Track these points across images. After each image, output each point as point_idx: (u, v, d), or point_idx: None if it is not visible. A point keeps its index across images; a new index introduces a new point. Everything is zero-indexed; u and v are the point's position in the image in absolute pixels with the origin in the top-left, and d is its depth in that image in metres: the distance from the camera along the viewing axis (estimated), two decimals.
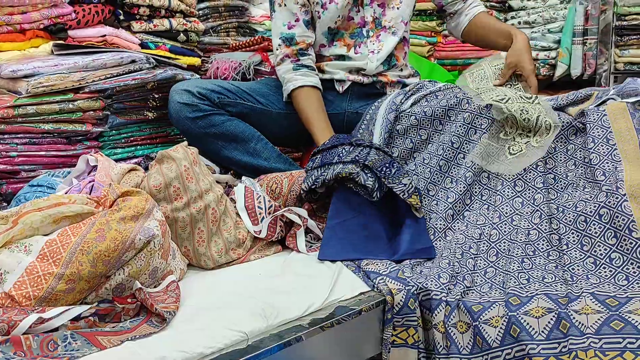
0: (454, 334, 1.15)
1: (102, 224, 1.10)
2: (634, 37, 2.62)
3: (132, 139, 1.84)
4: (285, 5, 1.81)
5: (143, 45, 2.09)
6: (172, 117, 1.76)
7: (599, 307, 1.04)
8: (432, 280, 1.24)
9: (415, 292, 1.22)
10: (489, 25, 1.95)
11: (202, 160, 1.65)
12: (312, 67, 1.84)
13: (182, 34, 2.17)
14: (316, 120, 1.77)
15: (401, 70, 1.95)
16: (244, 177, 1.65)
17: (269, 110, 1.86)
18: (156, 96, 1.84)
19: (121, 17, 2.05)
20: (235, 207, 1.50)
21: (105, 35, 1.96)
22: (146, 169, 1.52)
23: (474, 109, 1.56)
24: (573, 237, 1.25)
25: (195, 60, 2.18)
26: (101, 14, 1.97)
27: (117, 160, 1.71)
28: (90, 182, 1.37)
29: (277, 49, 1.85)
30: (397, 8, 1.88)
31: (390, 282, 1.23)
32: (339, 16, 1.83)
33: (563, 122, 1.48)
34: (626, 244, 1.16)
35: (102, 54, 1.78)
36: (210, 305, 1.14)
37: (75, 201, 1.17)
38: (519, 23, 2.97)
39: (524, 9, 2.99)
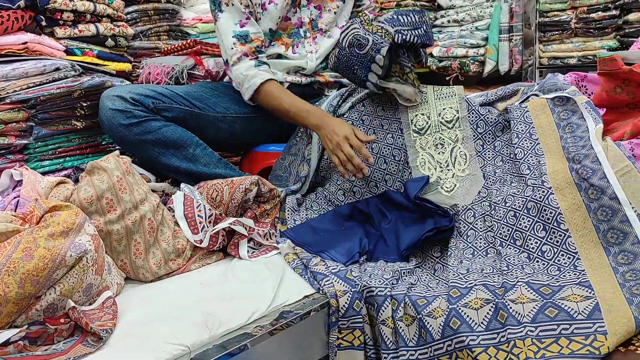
0: (401, 328, 1.16)
1: (29, 242, 1.04)
2: (556, 32, 2.74)
3: (60, 150, 1.75)
4: (232, 4, 1.77)
5: (68, 51, 2.00)
6: (104, 124, 1.70)
7: (534, 295, 1.07)
8: (376, 279, 1.26)
9: (359, 291, 1.22)
10: None
11: (136, 169, 1.60)
12: (270, 66, 1.81)
13: (110, 39, 2.09)
14: (300, 101, 1.69)
15: None
16: (182, 185, 1.61)
17: (207, 114, 1.82)
18: (84, 104, 1.77)
19: (43, 23, 1.95)
20: (173, 216, 1.46)
21: (26, 43, 1.86)
22: (76, 181, 1.46)
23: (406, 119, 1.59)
24: (505, 232, 1.29)
25: (125, 66, 2.11)
26: (21, 20, 1.87)
27: (44, 174, 1.63)
28: (15, 197, 1.30)
29: (231, 48, 1.78)
30: (334, 12, 1.89)
31: (337, 283, 1.23)
32: (279, 17, 1.82)
33: (489, 120, 1.53)
34: (555, 237, 1.21)
35: (23, 62, 1.69)
36: (150, 319, 1.11)
37: None
38: (448, 21, 3.05)
39: (453, 8, 3.07)
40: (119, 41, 2.11)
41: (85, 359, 0.98)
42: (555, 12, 2.73)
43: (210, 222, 1.46)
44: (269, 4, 1.80)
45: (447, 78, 3.06)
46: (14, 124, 1.63)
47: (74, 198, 1.29)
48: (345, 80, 1.95)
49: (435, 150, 1.51)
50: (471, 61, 2.95)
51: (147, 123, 1.68)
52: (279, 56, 1.87)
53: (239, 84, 1.79)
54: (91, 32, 2.04)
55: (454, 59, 2.99)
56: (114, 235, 1.29)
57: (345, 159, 1.50)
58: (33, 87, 1.65)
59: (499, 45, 2.88)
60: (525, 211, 1.26)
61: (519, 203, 1.28)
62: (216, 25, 1.82)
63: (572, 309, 1.03)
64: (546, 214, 1.22)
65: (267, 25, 1.82)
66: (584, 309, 1.02)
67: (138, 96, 1.68)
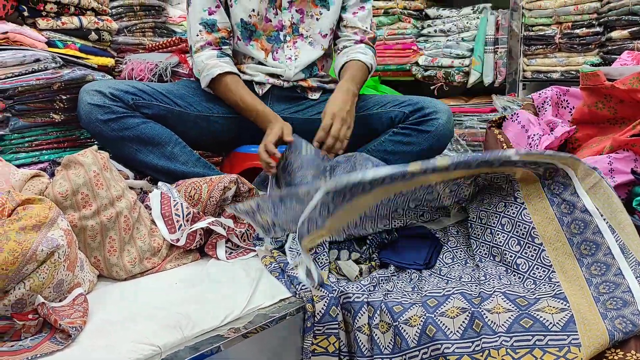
0: (377, 335, 1.15)
1: None
2: (540, 46, 2.77)
3: (36, 143, 1.72)
4: None
5: (50, 43, 1.96)
6: (82, 119, 1.67)
7: (510, 306, 1.07)
8: (353, 285, 1.25)
9: (336, 297, 1.21)
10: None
11: (115, 165, 1.58)
12: (233, 59, 1.82)
13: (93, 33, 2.06)
14: (256, 100, 1.74)
15: (322, 77, 1.95)
16: (160, 183, 1.59)
17: (187, 113, 1.80)
18: (64, 97, 1.73)
19: (25, 14, 1.91)
20: (150, 214, 1.44)
21: (7, 32, 1.82)
22: (53, 175, 1.43)
23: None
24: (484, 251, 1.30)
25: (108, 61, 2.07)
26: (2, 9, 1.83)
27: (19, 166, 1.59)
28: None
29: (197, 35, 1.79)
30: (317, 19, 1.87)
31: (314, 288, 1.22)
32: (253, 10, 1.81)
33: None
34: (530, 251, 1.22)
35: (3, 52, 1.65)
36: (122, 318, 1.09)
37: None
38: (435, 31, 3.07)
39: (440, 18, 3.09)
40: (103, 35, 2.08)
41: (52, 356, 0.95)
42: (541, 27, 2.75)
43: (187, 221, 1.43)
44: None
45: (432, 87, 3.07)
46: None
47: (49, 192, 1.26)
48: (328, 86, 1.94)
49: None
50: (456, 71, 2.96)
51: (126, 119, 1.66)
52: (259, 62, 1.86)
53: (199, 71, 1.81)
54: (74, 25, 2.01)
55: (439, 68, 3.01)
56: (88, 231, 1.26)
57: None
58: (11, 77, 1.61)
59: (484, 57, 2.90)
60: (499, 227, 1.27)
61: (493, 220, 1.29)
62: (187, 10, 1.83)
63: (547, 320, 1.03)
64: (520, 229, 1.23)
65: (239, 15, 1.81)
66: (559, 320, 1.02)
67: (117, 92, 1.66)
